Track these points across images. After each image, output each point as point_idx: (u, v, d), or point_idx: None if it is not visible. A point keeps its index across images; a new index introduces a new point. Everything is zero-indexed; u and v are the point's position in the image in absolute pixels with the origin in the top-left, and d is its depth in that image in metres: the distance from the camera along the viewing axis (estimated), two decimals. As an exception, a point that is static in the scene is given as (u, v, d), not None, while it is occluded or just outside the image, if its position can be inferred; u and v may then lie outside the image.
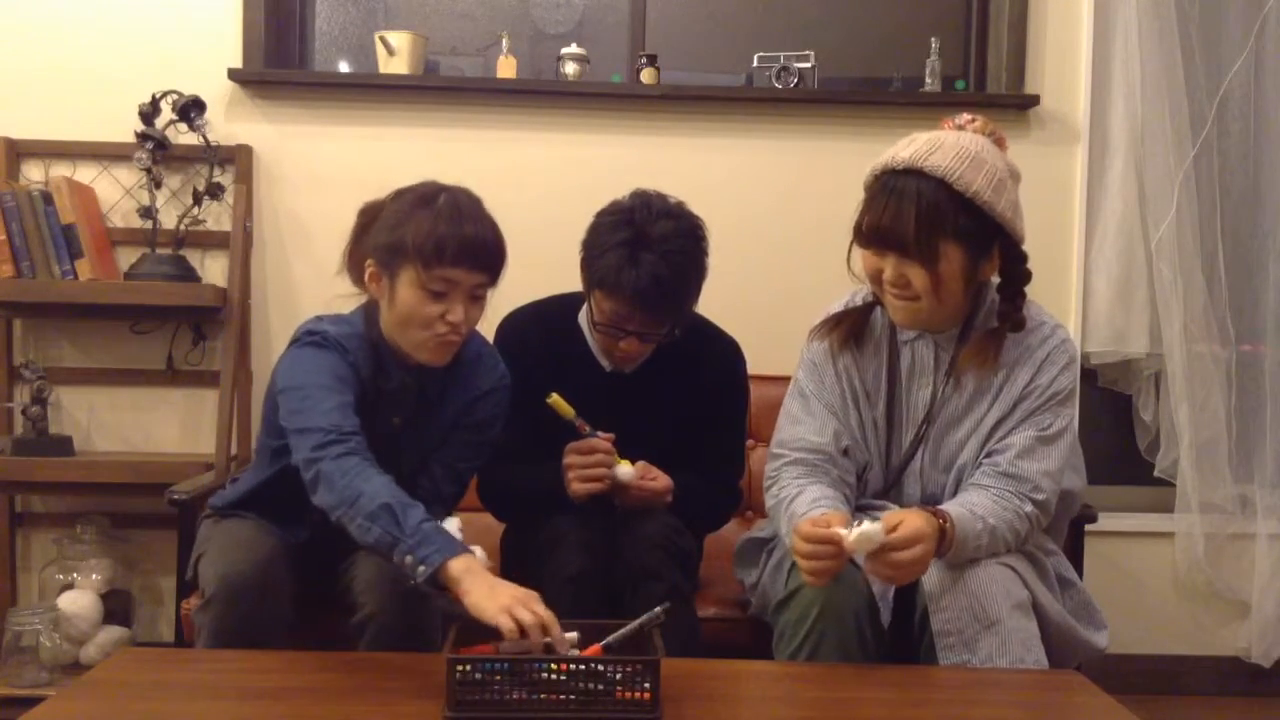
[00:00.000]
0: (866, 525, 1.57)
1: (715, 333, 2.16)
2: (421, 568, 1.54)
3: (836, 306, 1.93)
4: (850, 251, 1.80)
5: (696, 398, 2.07)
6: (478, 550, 1.62)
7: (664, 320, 1.95)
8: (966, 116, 1.80)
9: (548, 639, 1.45)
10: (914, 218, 1.66)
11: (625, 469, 1.94)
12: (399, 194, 1.83)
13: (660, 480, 1.97)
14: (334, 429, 1.68)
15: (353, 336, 1.84)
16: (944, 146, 1.69)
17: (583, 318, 2.08)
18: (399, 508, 1.58)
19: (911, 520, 1.59)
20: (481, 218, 1.80)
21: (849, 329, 1.86)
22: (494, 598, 1.48)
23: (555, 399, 1.92)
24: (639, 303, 1.89)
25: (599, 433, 1.95)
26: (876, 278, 1.76)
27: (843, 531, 1.57)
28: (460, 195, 1.81)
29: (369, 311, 1.88)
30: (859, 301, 1.90)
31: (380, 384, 1.86)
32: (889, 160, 1.72)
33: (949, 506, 1.67)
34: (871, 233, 1.72)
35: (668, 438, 2.04)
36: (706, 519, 2.13)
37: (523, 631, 1.44)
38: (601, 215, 1.97)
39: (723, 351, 2.15)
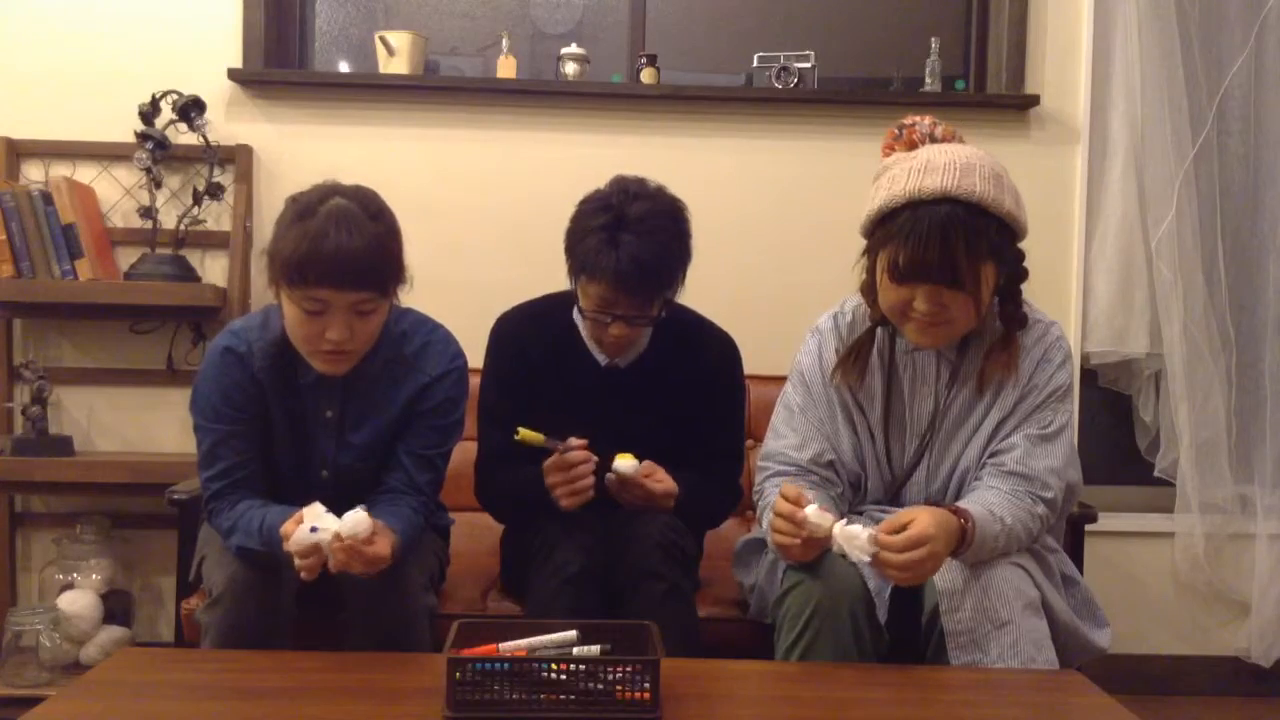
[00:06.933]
0: (855, 528, 1.56)
1: (710, 329, 2.16)
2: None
3: (826, 320, 1.90)
4: (869, 282, 1.77)
5: (693, 394, 2.07)
6: (350, 517, 1.62)
7: (648, 300, 1.95)
8: (930, 120, 1.76)
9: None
10: (962, 249, 1.63)
11: (627, 462, 1.92)
12: (290, 200, 1.75)
13: (665, 483, 1.96)
14: (208, 484, 1.82)
15: (261, 339, 1.83)
16: (966, 168, 1.65)
17: (577, 314, 2.08)
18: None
19: (921, 521, 1.57)
20: (360, 230, 1.67)
21: (859, 355, 1.83)
22: None
23: (524, 434, 1.90)
24: (621, 284, 1.89)
25: (571, 440, 1.91)
26: (903, 309, 1.71)
27: (832, 524, 1.57)
28: (345, 204, 1.69)
29: (278, 310, 1.83)
30: (848, 310, 1.89)
31: (298, 379, 1.84)
32: (913, 191, 1.65)
33: (969, 506, 1.65)
34: (913, 268, 1.65)
35: (665, 434, 2.04)
36: (706, 517, 2.13)
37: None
38: (582, 204, 1.98)
39: (718, 348, 2.15)
